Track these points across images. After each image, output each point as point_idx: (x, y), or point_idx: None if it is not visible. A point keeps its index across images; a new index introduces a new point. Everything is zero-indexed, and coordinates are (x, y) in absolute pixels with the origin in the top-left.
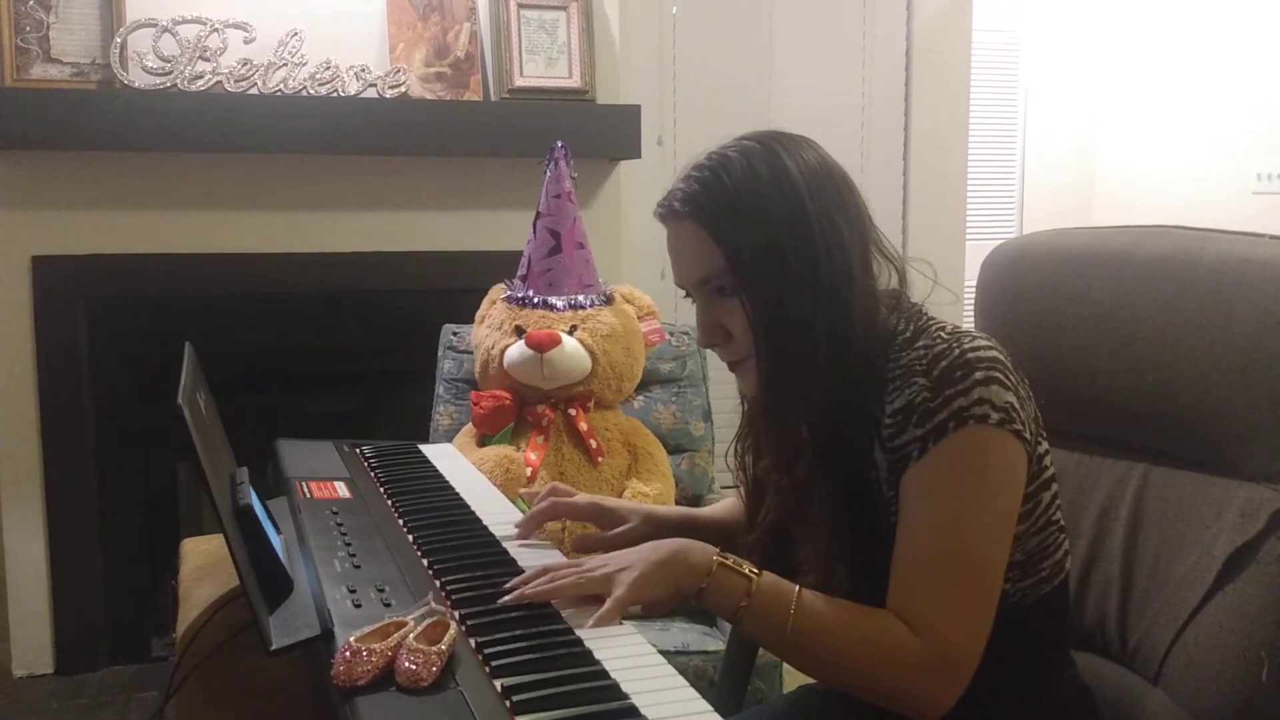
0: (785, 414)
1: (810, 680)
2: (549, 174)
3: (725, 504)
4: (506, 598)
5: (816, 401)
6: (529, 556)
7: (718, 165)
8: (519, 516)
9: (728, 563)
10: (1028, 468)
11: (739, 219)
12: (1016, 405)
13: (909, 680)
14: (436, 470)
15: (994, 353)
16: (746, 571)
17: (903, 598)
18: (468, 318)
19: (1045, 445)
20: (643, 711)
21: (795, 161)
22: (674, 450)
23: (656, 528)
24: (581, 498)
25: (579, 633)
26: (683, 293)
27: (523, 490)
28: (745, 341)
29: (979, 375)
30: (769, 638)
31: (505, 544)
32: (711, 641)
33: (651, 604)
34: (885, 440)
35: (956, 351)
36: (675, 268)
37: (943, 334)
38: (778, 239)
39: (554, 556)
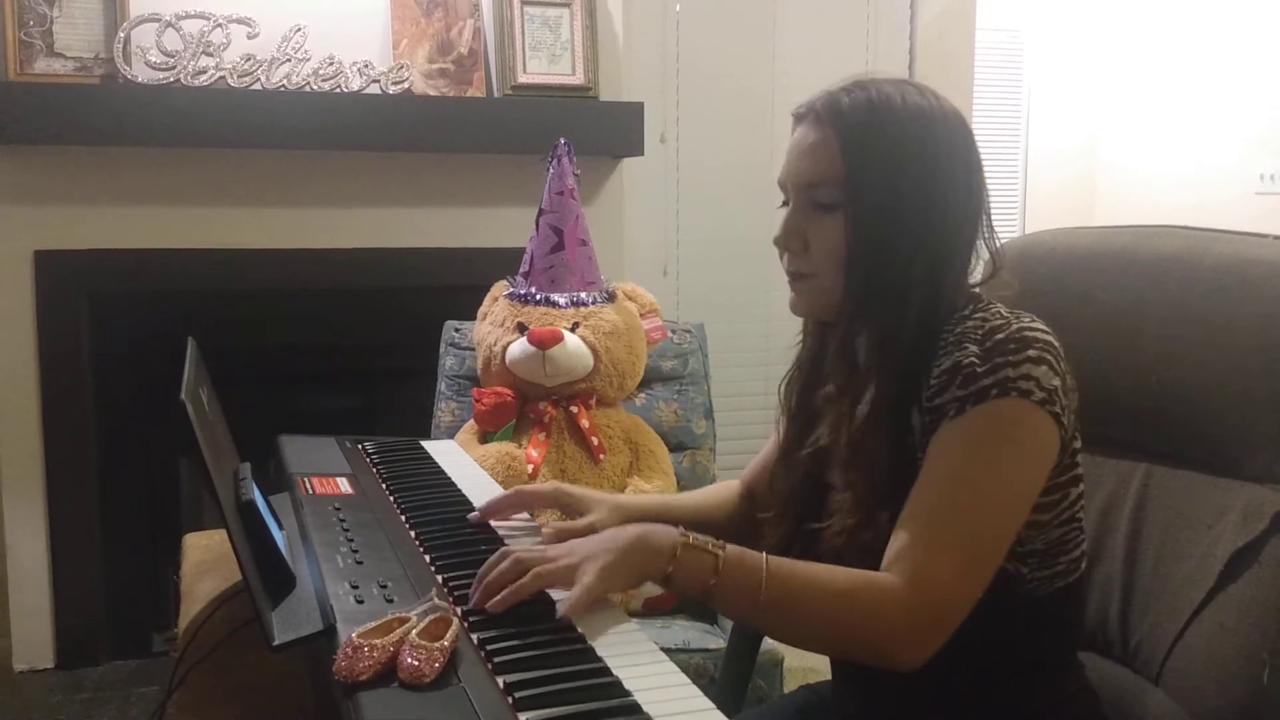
0: (858, 341)
1: (811, 682)
2: (552, 171)
3: (710, 490)
4: (471, 603)
5: (891, 337)
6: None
7: (872, 88)
8: (523, 514)
9: (690, 541)
10: (1060, 457)
11: (872, 141)
12: (1061, 391)
13: (887, 622)
14: (439, 466)
15: (1049, 337)
16: (711, 548)
17: (896, 546)
18: (470, 314)
19: (1079, 443)
20: (645, 709)
21: (946, 116)
22: (675, 448)
23: (626, 518)
24: (545, 485)
25: (581, 629)
26: (780, 200)
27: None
28: (820, 260)
29: (1032, 353)
30: (742, 609)
31: (508, 540)
32: (713, 639)
33: (618, 590)
34: (925, 401)
35: (1014, 327)
36: (788, 164)
37: (1001, 311)
38: (903, 174)
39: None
